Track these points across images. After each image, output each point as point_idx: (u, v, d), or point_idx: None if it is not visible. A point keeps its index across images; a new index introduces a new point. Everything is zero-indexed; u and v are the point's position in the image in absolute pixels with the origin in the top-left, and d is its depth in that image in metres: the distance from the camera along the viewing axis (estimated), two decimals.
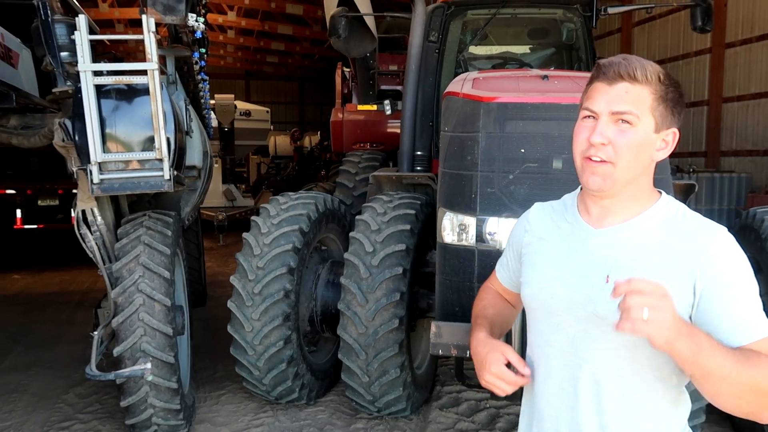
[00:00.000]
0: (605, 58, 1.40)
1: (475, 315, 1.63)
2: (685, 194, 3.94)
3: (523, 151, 3.23)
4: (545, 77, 3.70)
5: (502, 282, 1.66)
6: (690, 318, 1.27)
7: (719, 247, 1.26)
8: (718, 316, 1.23)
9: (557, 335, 1.40)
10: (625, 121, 1.27)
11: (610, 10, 5.05)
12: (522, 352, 1.47)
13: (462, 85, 3.69)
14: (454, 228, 3.36)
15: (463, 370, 3.49)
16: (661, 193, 1.38)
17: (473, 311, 1.67)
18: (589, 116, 1.32)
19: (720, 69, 10.97)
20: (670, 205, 1.36)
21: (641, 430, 1.33)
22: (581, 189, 1.46)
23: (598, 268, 1.33)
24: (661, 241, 1.30)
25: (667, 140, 1.33)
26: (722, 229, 1.30)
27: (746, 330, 1.22)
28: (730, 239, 1.28)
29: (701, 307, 1.25)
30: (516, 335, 2.80)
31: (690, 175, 9.78)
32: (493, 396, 2.94)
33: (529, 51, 5.62)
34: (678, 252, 1.27)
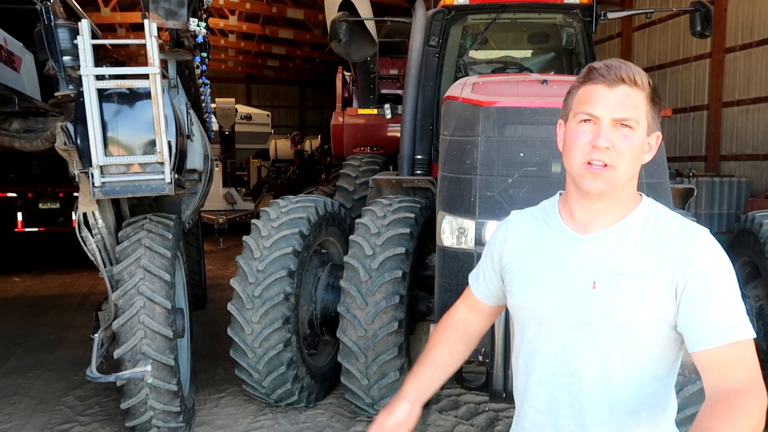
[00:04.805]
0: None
1: (427, 351, 1.58)
2: (684, 198, 3.94)
3: (522, 155, 3.25)
4: (544, 82, 3.72)
5: (478, 296, 1.61)
6: (674, 321, 1.27)
7: (698, 249, 1.27)
8: (695, 317, 1.24)
9: (547, 342, 1.39)
10: (626, 125, 1.28)
11: (610, 15, 5.07)
12: (506, 361, 1.42)
13: (462, 89, 3.71)
14: (454, 231, 3.37)
15: (462, 374, 3.50)
16: (641, 195, 1.39)
17: (431, 339, 1.61)
18: (587, 120, 1.30)
19: (720, 74, 11.00)
20: (652, 208, 1.36)
21: None
22: (562, 194, 1.46)
23: (585, 275, 1.33)
24: (646, 246, 1.30)
25: (651, 143, 1.34)
26: (703, 231, 1.31)
27: (722, 331, 1.21)
28: (711, 241, 1.30)
29: (681, 309, 1.26)
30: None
31: (689, 179, 9.79)
32: (492, 399, 2.94)
33: (529, 55, 5.63)
34: (661, 256, 1.28)
